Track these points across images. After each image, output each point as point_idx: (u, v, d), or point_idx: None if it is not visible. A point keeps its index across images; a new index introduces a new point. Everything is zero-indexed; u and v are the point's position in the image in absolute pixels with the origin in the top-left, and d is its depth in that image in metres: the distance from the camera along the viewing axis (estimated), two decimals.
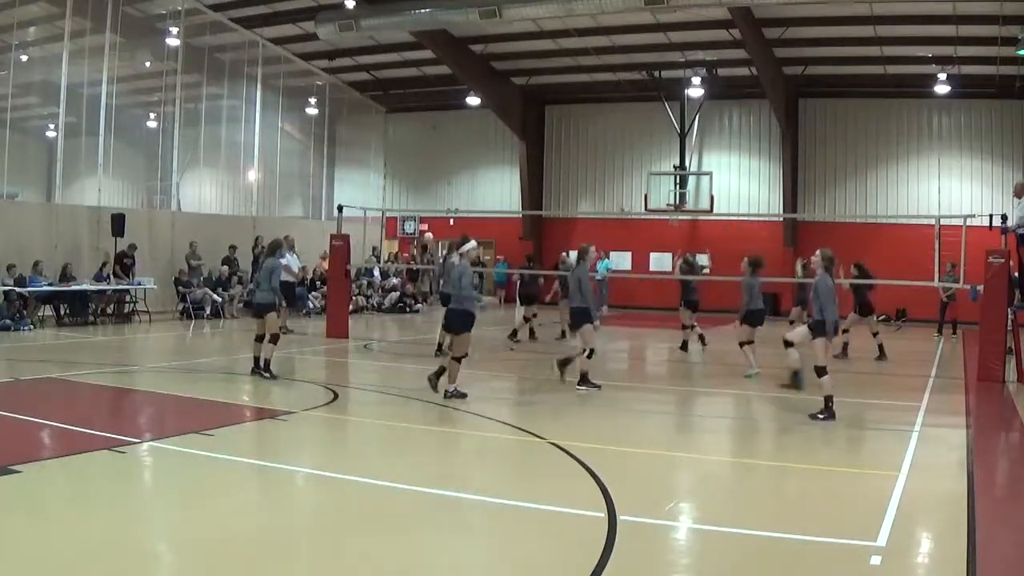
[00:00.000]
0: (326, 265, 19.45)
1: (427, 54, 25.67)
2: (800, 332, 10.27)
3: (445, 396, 9.68)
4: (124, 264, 19.03)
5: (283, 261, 18.16)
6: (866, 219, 24.93)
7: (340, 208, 17.84)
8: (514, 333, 16.69)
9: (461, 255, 10.41)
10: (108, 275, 18.51)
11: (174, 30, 23.06)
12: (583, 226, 28.54)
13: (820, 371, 9.30)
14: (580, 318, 10.80)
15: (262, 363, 11.13)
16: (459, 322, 10.00)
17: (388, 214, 28.81)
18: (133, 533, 5.15)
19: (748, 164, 26.65)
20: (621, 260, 26.67)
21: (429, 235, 28.99)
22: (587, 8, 20.01)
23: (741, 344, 12.63)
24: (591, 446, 7.61)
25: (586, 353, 10.79)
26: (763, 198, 26.42)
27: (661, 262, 25.50)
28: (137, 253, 19.59)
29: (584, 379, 10.75)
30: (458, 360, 9.90)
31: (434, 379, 9.94)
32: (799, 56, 23.64)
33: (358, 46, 25.90)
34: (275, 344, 11.26)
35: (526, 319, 16.99)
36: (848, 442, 8.53)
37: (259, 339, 11.30)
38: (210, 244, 21.36)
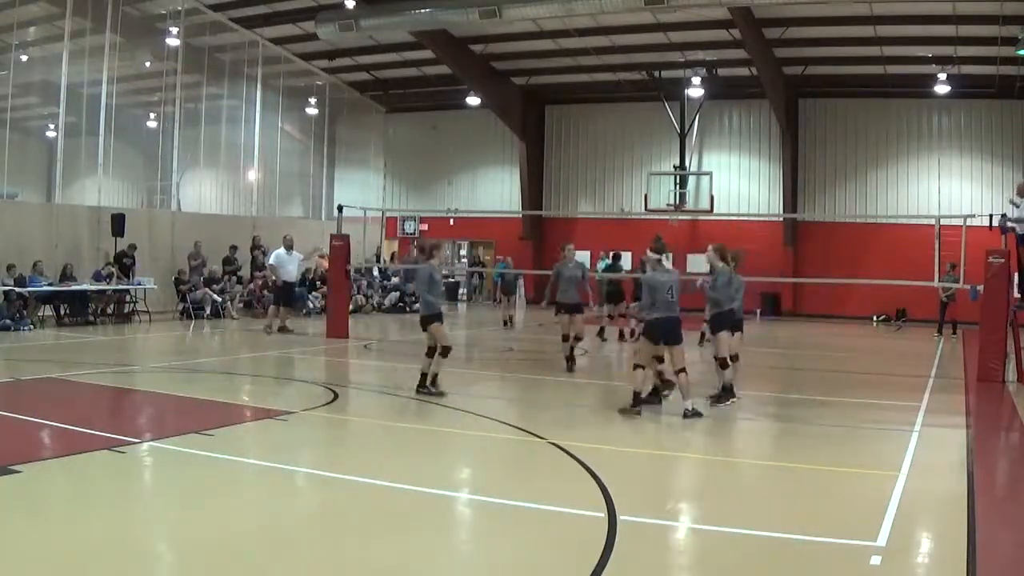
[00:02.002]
0: (326, 264, 19.41)
1: (427, 54, 25.67)
2: (724, 343, 9.85)
3: (685, 416, 8.94)
4: (123, 264, 19.02)
5: (271, 260, 18.10)
6: (866, 219, 24.94)
7: (340, 208, 17.84)
8: (601, 331, 17.66)
9: (660, 260, 9.85)
10: (108, 274, 18.51)
11: (174, 30, 23.07)
12: (583, 226, 28.54)
13: (724, 363, 9.74)
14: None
15: (428, 379, 10.02)
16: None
17: (388, 214, 28.81)
18: (133, 533, 5.15)
19: (748, 164, 26.64)
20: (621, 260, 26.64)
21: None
22: (587, 8, 20.01)
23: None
24: (591, 446, 7.61)
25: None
26: (763, 198, 26.42)
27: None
28: (137, 253, 19.59)
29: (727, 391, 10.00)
30: (683, 372, 9.26)
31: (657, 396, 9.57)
32: (799, 56, 23.64)
33: (358, 46, 25.89)
34: (445, 357, 10.09)
35: (610, 317, 17.92)
36: (848, 442, 8.52)
37: (429, 353, 10.13)
38: (210, 244, 21.39)
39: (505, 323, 20.20)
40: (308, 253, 19.17)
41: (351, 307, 19.81)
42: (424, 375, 10.03)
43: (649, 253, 9.59)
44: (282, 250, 17.95)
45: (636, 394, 9.17)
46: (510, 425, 8.74)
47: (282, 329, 17.04)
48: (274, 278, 18.07)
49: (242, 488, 6.43)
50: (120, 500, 5.81)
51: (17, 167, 22.23)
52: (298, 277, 21.89)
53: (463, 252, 30.77)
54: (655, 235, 9.95)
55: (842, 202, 25.75)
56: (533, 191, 28.54)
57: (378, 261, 26.19)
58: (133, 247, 19.39)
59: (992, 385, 12.06)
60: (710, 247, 10.46)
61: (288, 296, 18.01)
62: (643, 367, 9.32)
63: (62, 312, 17.74)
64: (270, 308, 17.88)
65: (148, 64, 24.33)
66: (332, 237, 17.23)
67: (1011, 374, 12.46)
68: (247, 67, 25.80)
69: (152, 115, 25.59)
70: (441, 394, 9.89)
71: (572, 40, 24.01)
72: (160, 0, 23.14)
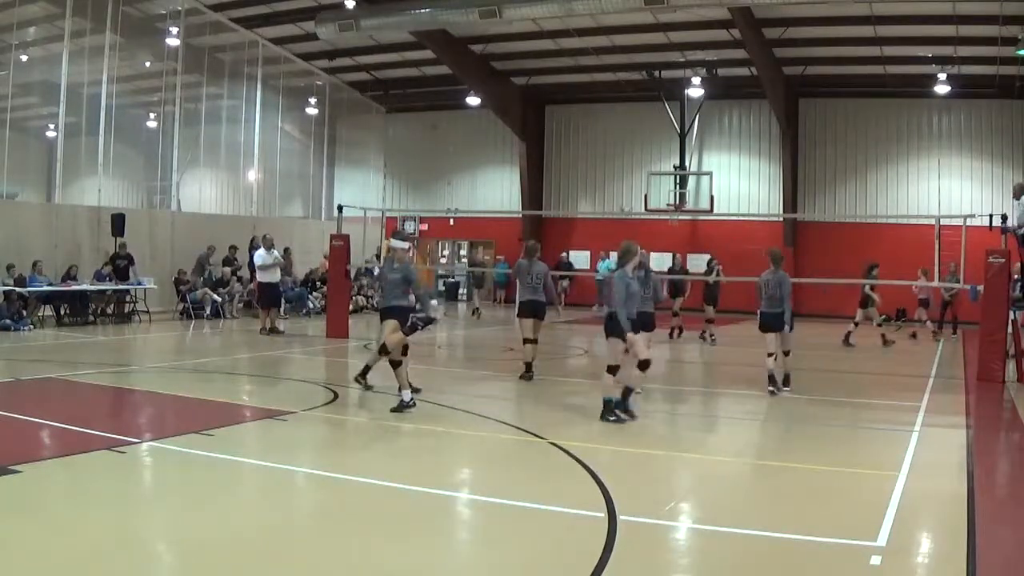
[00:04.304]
0: (326, 264, 19.35)
1: (427, 54, 25.67)
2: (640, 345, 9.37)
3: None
4: (117, 266, 18.80)
5: (258, 260, 17.93)
6: (866, 219, 24.94)
7: (340, 208, 17.82)
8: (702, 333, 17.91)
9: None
10: (108, 274, 18.47)
11: (174, 30, 23.06)
12: (583, 226, 28.55)
13: (643, 365, 9.22)
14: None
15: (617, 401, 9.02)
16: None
17: (388, 214, 28.74)
18: (133, 533, 5.15)
19: (748, 164, 26.64)
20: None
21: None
22: (587, 8, 20.01)
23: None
24: (591, 446, 7.61)
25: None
26: (763, 198, 26.42)
27: (662, 262, 25.54)
28: (138, 253, 19.48)
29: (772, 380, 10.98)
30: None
31: None
32: (799, 56, 23.64)
33: (358, 46, 25.90)
34: (641, 371, 9.28)
35: (709, 321, 17.88)
36: (848, 442, 8.53)
37: (612, 370, 8.99)
38: (210, 244, 21.35)
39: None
40: (276, 260, 18.09)
41: (351, 307, 19.78)
42: (624, 394, 9.11)
43: (393, 242, 9.60)
44: (262, 250, 17.72)
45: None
46: (510, 425, 8.74)
47: (272, 331, 16.82)
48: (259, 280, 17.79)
49: (242, 488, 6.43)
50: (120, 500, 5.81)
51: (17, 167, 22.23)
52: (298, 277, 21.80)
53: (463, 252, 30.82)
54: (400, 227, 10.13)
55: (842, 202, 25.76)
56: (533, 191, 28.54)
57: (378, 260, 26.12)
58: (124, 246, 19.06)
59: (992, 385, 12.07)
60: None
61: (269, 297, 17.60)
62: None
63: (62, 312, 17.75)
64: (272, 310, 17.79)
65: (148, 64, 24.31)
66: (332, 237, 17.23)
67: (1011, 374, 12.47)
68: (247, 67, 25.79)
69: (152, 115, 25.57)
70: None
71: (572, 40, 24.01)
72: (160, 0, 23.14)
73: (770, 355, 11.04)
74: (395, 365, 9.34)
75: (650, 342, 11.20)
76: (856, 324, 17.76)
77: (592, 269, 27.14)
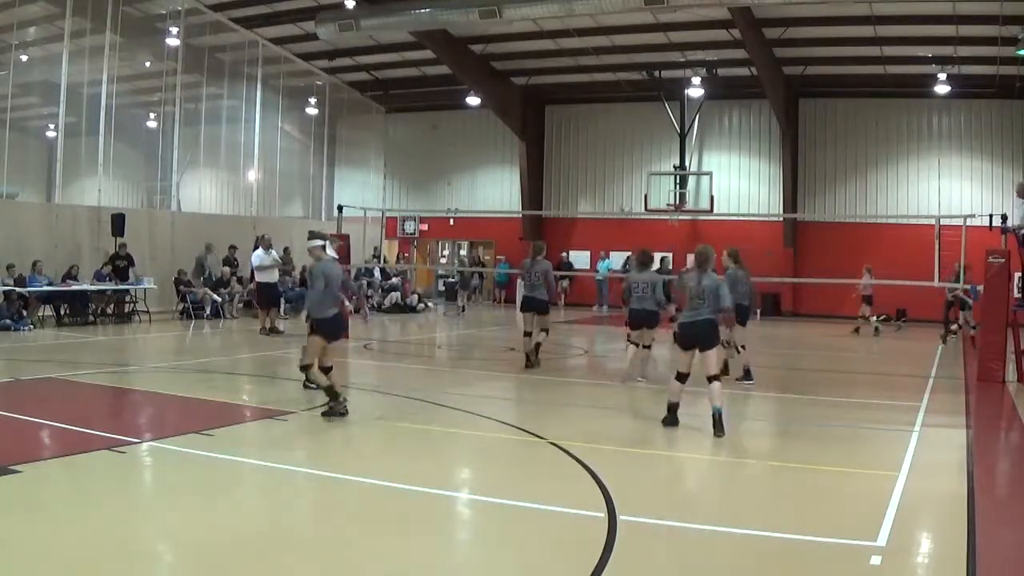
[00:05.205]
0: None
1: (427, 54, 25.67)
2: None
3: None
4: (116, 267, 18.74)
5: (256, 261, 17.92)
6: (866, 219, 24.94)
7: (340, 208, 17.82)
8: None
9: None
10: (107, 274, 18.46)
11: (174, 30, 23.07)
12: (583, 226, 28.55)
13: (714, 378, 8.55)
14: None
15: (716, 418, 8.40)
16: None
17: (388, 214, 28.79)
18: (133, 533, 5.15)
19: (748, 164, 26.64)
20: (621, 260, 26.67)
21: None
22: (587, 8, 19.99)
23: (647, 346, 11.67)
24: (591, 446, 7.61)
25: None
26: (763, 198, 26.42)
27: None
28: (138, 253, 19.48)
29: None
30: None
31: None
32: (799, 56, 23.64)
33: (358, 46, 25.89)
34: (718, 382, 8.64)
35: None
36: (848, 442, 8.52)
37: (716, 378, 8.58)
38: (208, 242, 21.36)
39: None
40: (275, 261, 18.11)
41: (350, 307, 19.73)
42: (720, 414, 8.35)
43: (315, 242, 8.94)
44: (260, 251, 17.75)
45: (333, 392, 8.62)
46: (510, 425, 8.74)
47: (272, 331, 16.82)
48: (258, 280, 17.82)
49: (242, 488, 6.44)
50: (120, 500, 5.82)
51: (17, 167, 22.22)
52: (295, 278, 21.77)
53: (463, 252, 30.85)
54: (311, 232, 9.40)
55: (842, 202, 25.75)
56: (533, 191, 28.54)
57: (378, 261, 26.16)
58: (124, 246, 19.02)
59: (992, 385, 12.07)
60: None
61: (268, 298, 17.57)
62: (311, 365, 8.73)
63: (62, 312, 17.74)
64: (271, 311, 17.81)
65: (148, 64, 24.31)
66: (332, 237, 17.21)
67: (1011, 374, 12.47)
68: (247, 67, 25.79)
69: (152, 115, 25.57)
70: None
71: (572, 40, 24.00)
72: (160, 0, 23.15)
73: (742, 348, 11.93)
74: (306, 369, 8.77)
75: (652, 339, 11.54)
76: (959, 326, 18.21)
77: (592, 269, 27.16)
